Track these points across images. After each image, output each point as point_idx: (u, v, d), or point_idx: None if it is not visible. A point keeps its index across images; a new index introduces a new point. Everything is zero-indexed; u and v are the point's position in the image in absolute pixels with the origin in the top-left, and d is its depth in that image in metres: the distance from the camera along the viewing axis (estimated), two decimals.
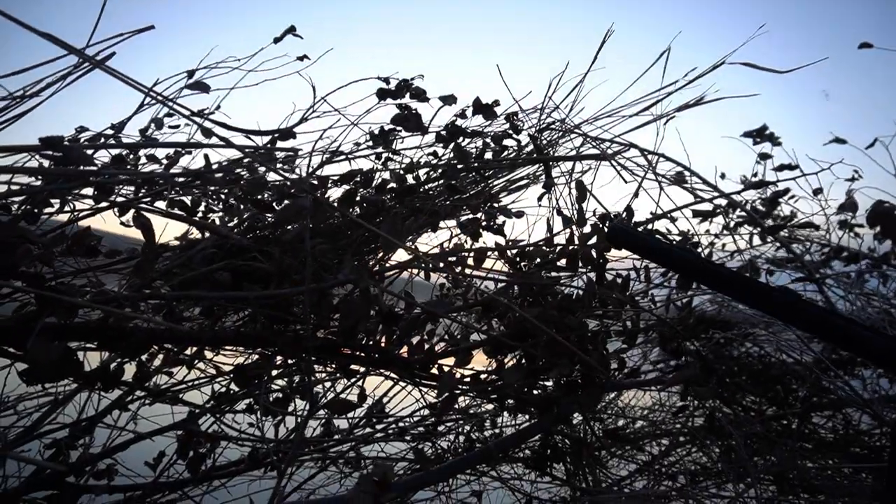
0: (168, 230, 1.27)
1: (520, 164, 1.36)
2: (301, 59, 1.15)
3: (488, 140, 1.27)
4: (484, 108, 1.21)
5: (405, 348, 1.19)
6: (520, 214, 1.38)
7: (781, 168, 1.87)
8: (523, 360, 1.34)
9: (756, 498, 1.35)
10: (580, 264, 1.14)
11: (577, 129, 1.43)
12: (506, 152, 1.32)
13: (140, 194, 1.21)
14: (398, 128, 1.19)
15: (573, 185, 1.25)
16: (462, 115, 1.24)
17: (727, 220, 1.68)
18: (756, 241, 1.84)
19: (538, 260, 1.14)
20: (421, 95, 1.19)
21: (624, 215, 1.34)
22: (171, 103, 1.10)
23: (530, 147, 1.40)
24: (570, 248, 1.13)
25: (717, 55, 1.57)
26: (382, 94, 1.19)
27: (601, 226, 1.14)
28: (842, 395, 1.44)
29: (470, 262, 1.21)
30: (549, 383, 1.37)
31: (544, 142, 1.45)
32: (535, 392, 1.32)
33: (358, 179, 1.19)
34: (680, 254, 0.89)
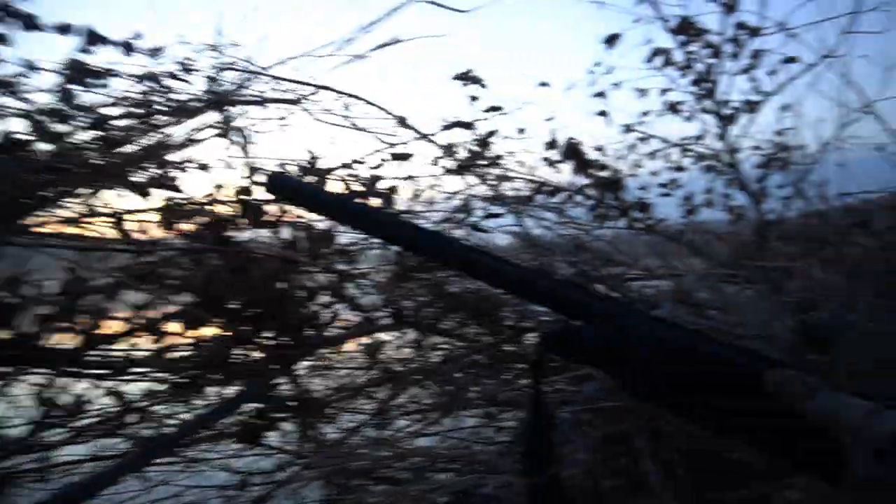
0: None
1: (196, 112, 1.19)
2: None
3: (132, 81, 1.08)
4: (102, 40, 1.00)
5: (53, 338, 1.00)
6: (204, 167, 1.24)
7: (490, 110, 1.95)
8: (225, 331, 1.23)
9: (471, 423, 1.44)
10: (253, 218, 1.04)
11: (263, 72, 1.30)
12: (170, 94, 1.14)
13: None
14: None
15: (252, 133, 1.14)
16: (86, 49, 1.03)
17: (437, 161, 1.72)
18: (473, 180, 1.92)
19: (199, 218, 1.01)
20: (28, 20, 0.93)
21: (315, 161, 1.27)
22: None
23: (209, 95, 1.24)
24: (239, 199, 1.02)
25: None
26: None
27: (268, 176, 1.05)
28: (540, 319, 1.58)
29: (133, 225, 1.04)
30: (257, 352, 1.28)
31: (230, 85, 1.30)
32: (236, 361, 1.22)
33: None
34: (334, 201, 0.84)
